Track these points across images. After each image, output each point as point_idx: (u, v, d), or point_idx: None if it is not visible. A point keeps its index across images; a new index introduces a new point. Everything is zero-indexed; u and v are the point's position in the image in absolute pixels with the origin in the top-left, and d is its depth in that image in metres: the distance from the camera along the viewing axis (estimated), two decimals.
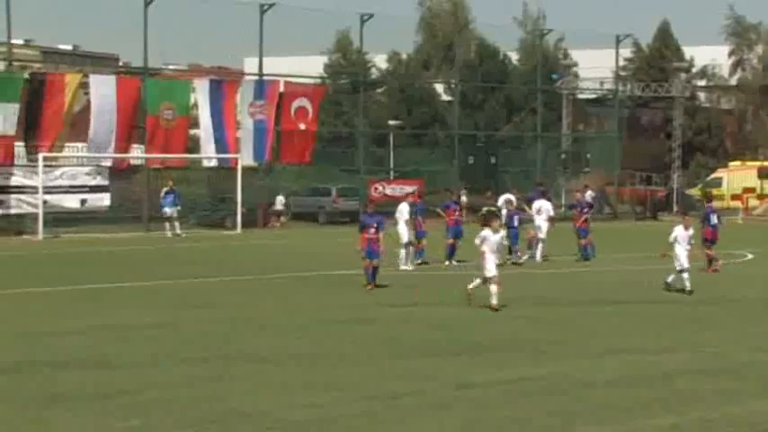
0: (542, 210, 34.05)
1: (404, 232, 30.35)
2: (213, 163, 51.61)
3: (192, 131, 52.59)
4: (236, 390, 13.96)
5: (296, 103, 52.52)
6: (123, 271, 29.98)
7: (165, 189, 46.28)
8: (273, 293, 24.86)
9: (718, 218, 31.21)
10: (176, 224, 45.65)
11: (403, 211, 30.87)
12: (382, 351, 16.94)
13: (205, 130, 50.20)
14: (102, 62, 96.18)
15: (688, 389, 14.30)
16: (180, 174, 51.95)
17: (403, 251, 30.36)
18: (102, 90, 47.38)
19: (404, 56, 77.71)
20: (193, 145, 52.60)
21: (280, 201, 54.15)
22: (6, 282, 26.65)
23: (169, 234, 45.00)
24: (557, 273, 30.15)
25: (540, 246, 33.69)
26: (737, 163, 71.47)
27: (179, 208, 46.08)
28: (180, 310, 21.74)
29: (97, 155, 47.37)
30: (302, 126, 52.70)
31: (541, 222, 33.82)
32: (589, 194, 41.89)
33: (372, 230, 24.92)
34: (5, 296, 24.00)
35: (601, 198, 63.70)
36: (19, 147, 46.25)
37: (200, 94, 50.64)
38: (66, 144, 47.00)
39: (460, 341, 17.89)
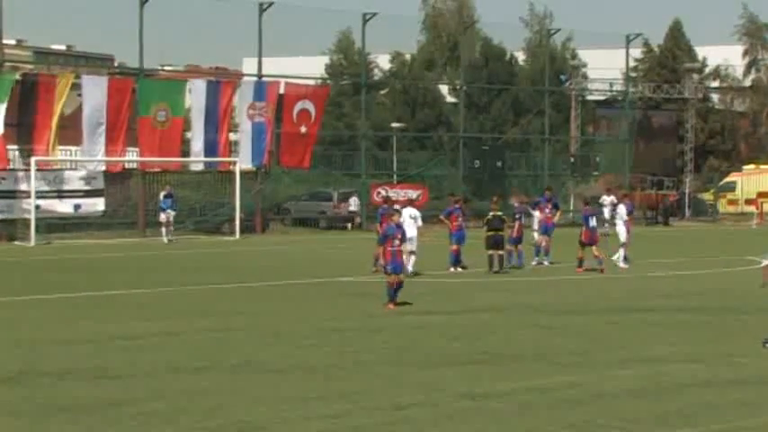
0: (617, 212, 34.67)
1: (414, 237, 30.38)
2: (202, 167, 51.67)
3: (188, 134, 52.63)
4: (245, 401, 13.95)
5: (299, 106, 52.49)
6: (121, 278, 29.99)
7: (163, 193, 46.29)
8: (281, 301, 24.86)
9: (597, 220, 33.44)
10: (170, 229, 45.66)
11: (417, 217, 30.98)
12: (396, 360, 16.95)
13: (197, 133, 50.21)
14: (97, 63, 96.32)
15: (709, 400, 14.31)
16: (176, 177, 51.99)
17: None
18: (94, 91, 47.40)
19: (407, 56, 77.79)
20: (188, 147, 52.63)
21: (354, 202, 54.43)
22: (0, 289, 26.66)
23: (165, 240, 45.01)
24: (581, 279, 30.19)
25: (621, 251, 34.01)
26: (751, 166, 71.47)
27: (174, 213, 46.09)
28: (183, 318, 21.75)
29: (88, 159, 47.39)
30: (303, 129, 52.71)
31: (620, 227, 34.25)
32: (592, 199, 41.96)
33: (397, 242, 23.58)
34: (1, 304, 24.01)
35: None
36: (13, 150, 46.47)
37: (196, 96, 50.65)
38: (60, 147, 47.06)
39: (478, 351, 17.89)
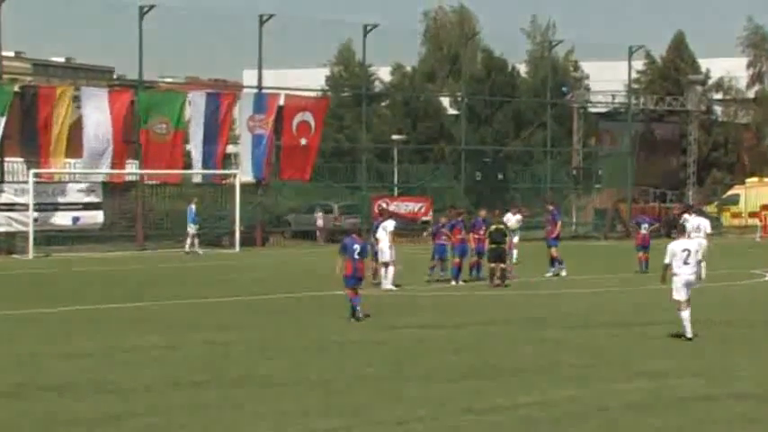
0: (700, 227, 35.10)
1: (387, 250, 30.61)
2: (199, 179, 51.73)
3: (186, 146, 52.71)
4: (245, 415, 14.00)
5: (298, 118, 52.59)
6: (121, 291, 30.04)
7: (192, 205, 46.67)
8: (282, 314, 24.92)
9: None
10: (188, 242, 46.01)
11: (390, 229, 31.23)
12: (397, 374, 16.99)
13: (197, 145, 50.28)
14: (96, 75, 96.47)
15: (711, 415, 14.34)
16: (175, 190, 52.07)
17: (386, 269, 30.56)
18: (95, 104, 47.51)
19: (408, 68, 77.86)
20: (187, 160, 52.71)
21: (319, 216, 54.37)
22: None
23: (200, 252, 45.51)
24: (584, 293, 30.23)
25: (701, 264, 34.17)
26: (755, 179, 71.45)
27: (198, 225, 46.62)
28: (184, 331, 21.80)
29: (92, 171, 47.49)
30: (303, 141, 52.77)
31: (700, 241, 34.43)
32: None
33: (356, 255, 23.72)
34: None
35: (614, 215, 63.86)
36: (12, 163, 46.59)
37: (196, 108, 50.78)
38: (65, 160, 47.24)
39: (479, 364, 17.94)
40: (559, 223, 37.76)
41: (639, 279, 34.16)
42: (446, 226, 33.85)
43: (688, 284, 20.40)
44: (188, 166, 51.66)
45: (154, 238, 48.09)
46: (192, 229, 46.28)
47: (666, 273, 20.55)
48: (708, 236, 35.21)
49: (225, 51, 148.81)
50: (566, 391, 15.61)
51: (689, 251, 20.44)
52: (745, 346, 20.24)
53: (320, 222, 54.56)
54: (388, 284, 30.33)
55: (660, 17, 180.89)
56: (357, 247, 23.69)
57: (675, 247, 20.56)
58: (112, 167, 47.74)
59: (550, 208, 37.91)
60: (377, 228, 32.20)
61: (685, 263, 20.34)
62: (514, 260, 37.77)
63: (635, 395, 15.42)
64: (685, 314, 20.30)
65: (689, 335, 20.24)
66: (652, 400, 15.07)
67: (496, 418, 13.98)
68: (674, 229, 62.59)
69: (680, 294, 20.38)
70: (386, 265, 30.46)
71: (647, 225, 37.46)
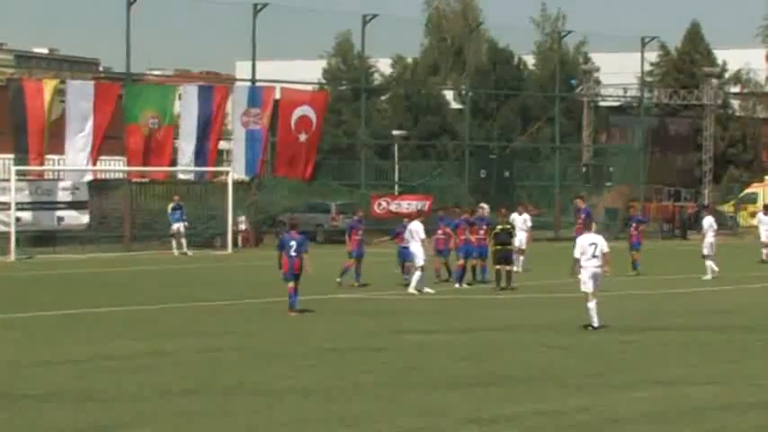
0: (713, 225, 36.25)
1: (419, 253, 30.51)
2: (192, 176, 51.72)
3: (176, 142, 52.63)
4: (238, 425, 14.00)
5: (298, 112, 52.29)
6: (107, 295, 30.06)
7: (171, 204, 46.75)
8: (278, 319, 24.91)
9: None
10: (183, 241, 46.25)
11: (418, 230, 31.08)
12: (398, 382, 16.98)
13: (188, 141, 50.18)
14: (81, 67, 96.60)
15: (729, 424, 14.34)
16: (164, 189, 52.02)
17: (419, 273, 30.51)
18: (80, 97, 47.44)
19: (409, 60, 77.98)
20: (177, 156, 52.59)
21: (243, 220, 53.62)
22: None
23: (176, 252, 45.65)
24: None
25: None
26: None
27: (186, 224, 46.62)
28: (172, 337, 21.79)
29: (79, 168, 47.42)
30: (302, 137, 52.54)
31: (711, 239, 35.69)
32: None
33: (292, 252, 24.86)
34: None
35: (626, 215, 63.82)
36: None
37: (187, 102, 50.66)
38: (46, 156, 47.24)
39: (484, 372, 17.94)
40: (594, 225, 37.39)
41: (647, 282, 34.02)
42: (451, 225, 33.80)
43: (594, 276, 22.45)
44: (175, 162, 51.56)
45: (142, 239, 48.01)
46: (177, 227, 46.24)
47: (575, 266, 22.49)
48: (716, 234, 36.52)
49: (216, 42, 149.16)
50: (576, 399, 15.60)
51: (596, 245, 22.44)
52: (764, 353, 20.23)
53: (243, 226, 53.41)
54: (411, 288, 30.27)
55: (674, 7, 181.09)
56: (293, 243, 24.89)
57: (583, 241, 22.59)
58: (96, 164, 47.67)
59: (580, 204, 37.75)
60: (350, 229, 32.53)
61: (593, 256, 22.34)
62: (519, 268, 37.31)
63: (648, 404, 15.40)
64: (591, 305, 22.32)
65: (595, 324, 22.25)
66: (666, 410, 15.05)
67: (502, 428, 13.97)
68: (689, 229, 63.27)
69: (587, 286, 22.44)
70: (421, 269, 30.38)
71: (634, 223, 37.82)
